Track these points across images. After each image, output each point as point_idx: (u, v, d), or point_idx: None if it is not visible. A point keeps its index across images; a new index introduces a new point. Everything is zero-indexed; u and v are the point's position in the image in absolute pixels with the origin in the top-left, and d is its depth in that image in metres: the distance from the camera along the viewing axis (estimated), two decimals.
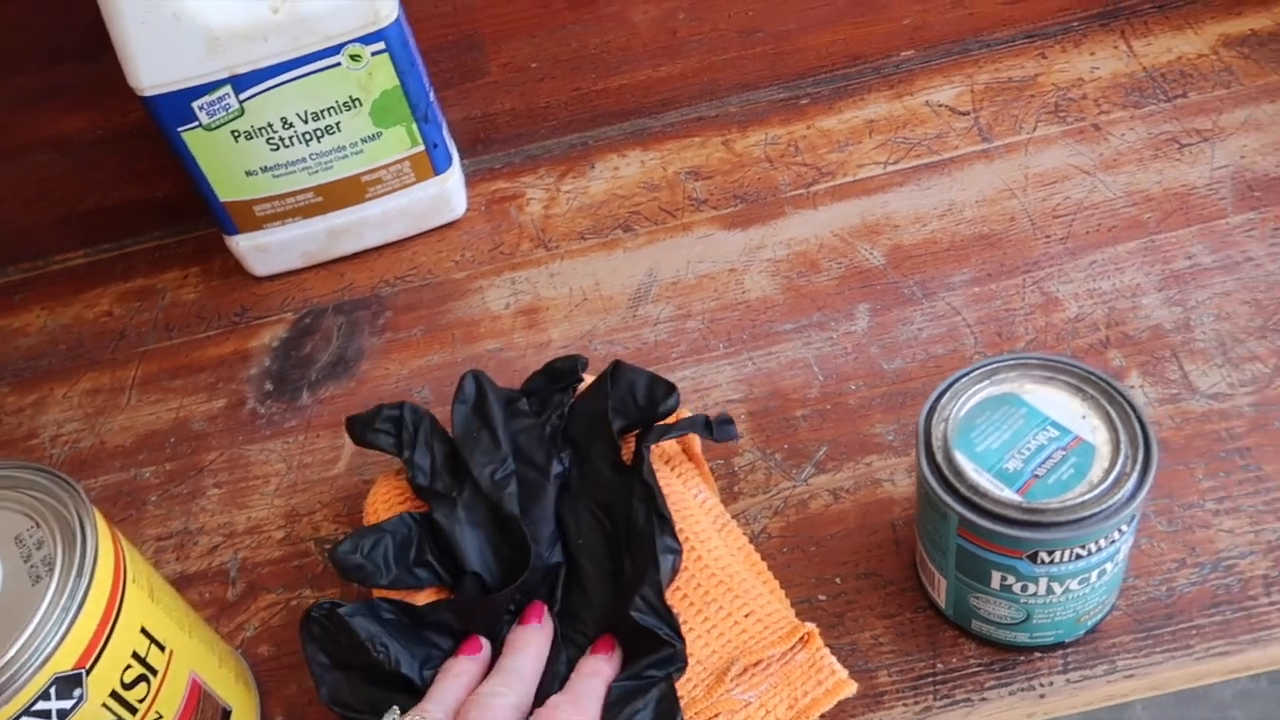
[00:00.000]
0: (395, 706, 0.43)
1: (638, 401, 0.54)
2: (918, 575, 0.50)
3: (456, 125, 0.76)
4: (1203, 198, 0.64)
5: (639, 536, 0.48)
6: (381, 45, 0.63)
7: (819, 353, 0.61)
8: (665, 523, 0.48)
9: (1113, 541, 0.41)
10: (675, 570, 0.48)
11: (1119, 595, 0.48)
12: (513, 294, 0.69)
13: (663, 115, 0.78)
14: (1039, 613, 0.44)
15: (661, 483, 0.51)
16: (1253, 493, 0.51)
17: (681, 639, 0.46)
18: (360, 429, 0.55)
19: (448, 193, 0.72)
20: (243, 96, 0.63)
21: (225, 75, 0.62)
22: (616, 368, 0.55)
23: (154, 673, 0.43)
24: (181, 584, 0.58)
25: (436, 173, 0.71)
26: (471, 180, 0.77)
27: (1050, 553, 0.41)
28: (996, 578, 0.43)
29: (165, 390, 0.68)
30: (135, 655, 0.42)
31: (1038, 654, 0.48)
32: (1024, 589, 0.43)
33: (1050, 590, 0.43)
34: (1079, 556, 0.41)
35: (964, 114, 0.73)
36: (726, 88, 0.78)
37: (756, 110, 0.77)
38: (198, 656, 0.46)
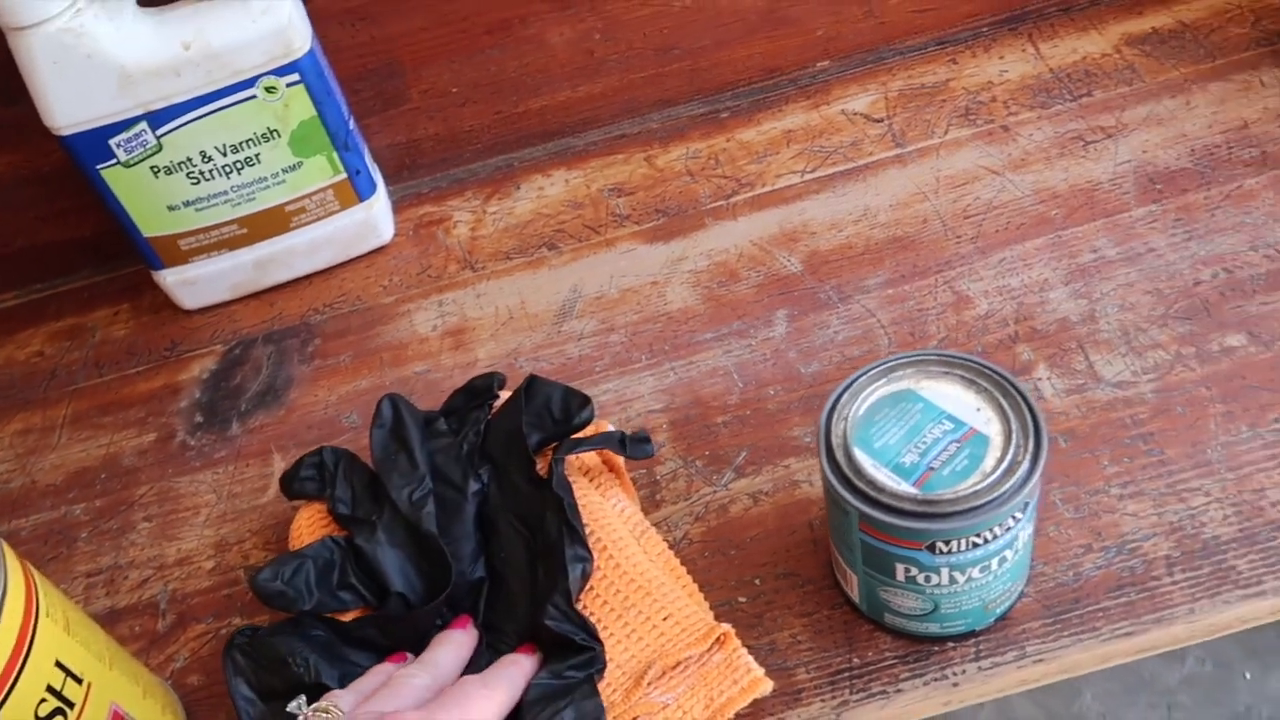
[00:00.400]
0: (302, 695, 0.43)
1: (554, 415, 0.54)
2: (834, 573, 0.51)
3: (381, 152, 0.77)
4: (1107, 193, 0.66)
5: (551, 547, 0.49)
6: (296, 76, 0.64)
7: (739, 360, 0.62)
8: (574, 532, 0.49)
9: (1009, 529, 0.42)
10: (585, 577, 0.49)
11: (1027, 582, 0.49)
12: (440, 316, 0.70)
13: (585, 134, 0.79)
14: (945, 602, 0.45)
15: (580, 494, 0.52)
16: (1155, 476, 0.52)
17: (599, 641, 0.47)
18: (289, 484, 0.56)
19: (374, 219, 0.73)
20: (159, 132, 0.64)
21: (140, 112, 0.63)
22: (532, 383, 0.55)
23: (70, 706, 0.43)
24: (112, 618, 0.58)
25: (361, 200, 0.71)
26: (399, 205, 0.77)
27: (947, 542, 0.42)
28: (900, 570, 0.44)
29: (96, 427, 0.69)
30: (50, 689, 0.42)
31: (951, 644, 0.49)
32: (927, 579, 0.44)
33: (953, 580, 0.44)
34: (976, 545, 0.42)
35: (878, 121, 0.74)
36: (647, 104, 0.79)
37: (678, 125, 0.78)
38: (119, 688, 0.47)
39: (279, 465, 0.63)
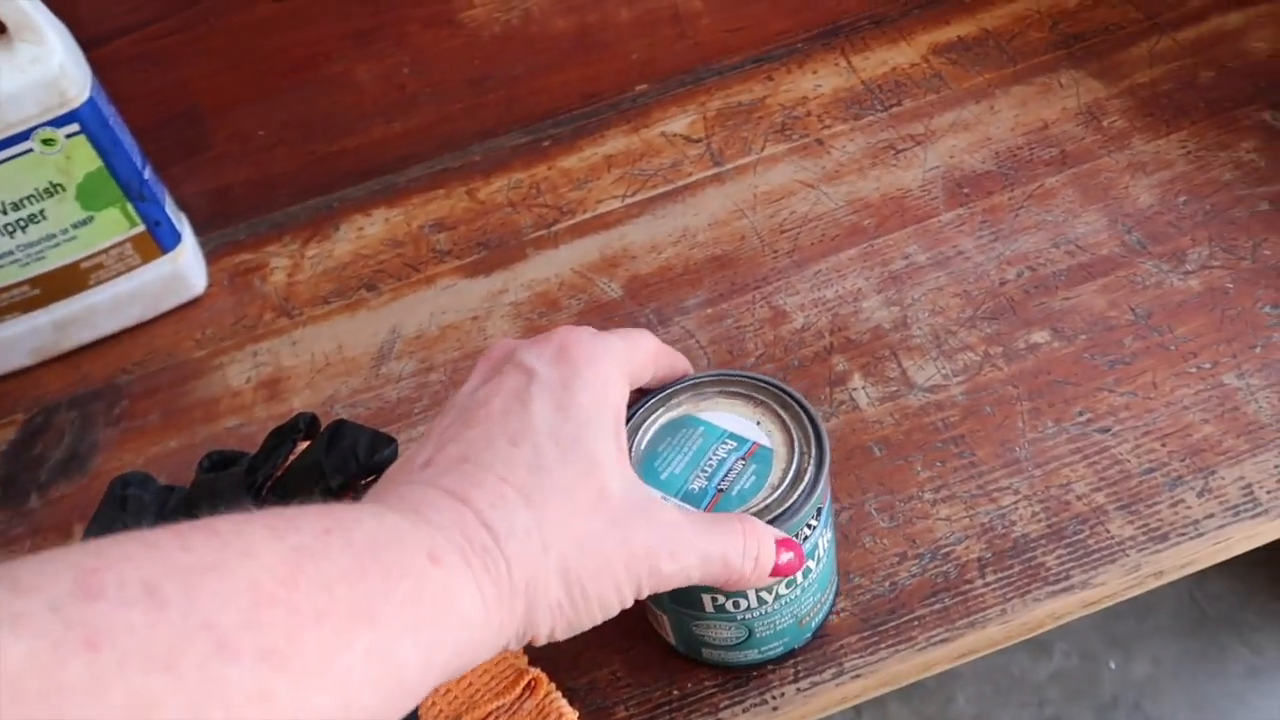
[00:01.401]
0: None
1: (359, 458, 0.52)
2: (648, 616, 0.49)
3: (189, 200, 0.74)
4: (917, 199, 0.66)
5: None
6: (76, 127, 0.61)
7: None
8: None
9: (806, 537, 0.42)
10: None
11: (838, 594, 0.49)
12: (254, 367, 0.67)
13: (406, 170, 0.77)
14: (759, 625, 0.44)
15: None
16: (967, 478, 0.52)
17: None
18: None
19: (181, 270, 0.70)
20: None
21: None
22: (338, 427, 0.53)
23: None
24: None
25: (165, 251, 0.68)
26: (213, 255, 0.74)
27: None
28: (707, 601, 0.43)
29: None
30: None
31: (770, 667, 0.48)
32: (736, 605, 0.43)
33: (761, 600, 0.43)
34: None
35: (697, 141, 0.74)
36: (467, 137, 0.77)
37: (500, 156, 0.77)
38: None
39: (80, 537, 0.59)
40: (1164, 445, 0.52)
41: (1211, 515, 0.49)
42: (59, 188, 0.63)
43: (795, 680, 0.47)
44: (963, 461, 0.53)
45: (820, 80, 0.76)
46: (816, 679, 0.47)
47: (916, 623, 0.48)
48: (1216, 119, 0.67)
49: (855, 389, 0.57)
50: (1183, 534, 0.49)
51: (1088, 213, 0.63)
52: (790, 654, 0.47)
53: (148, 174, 0.67)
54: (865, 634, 0.48)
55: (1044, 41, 0.75)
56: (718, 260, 0.66)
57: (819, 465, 0.41)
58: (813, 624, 0.47)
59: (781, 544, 0.40)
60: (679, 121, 0.76)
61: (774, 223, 0.67)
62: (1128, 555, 0.48)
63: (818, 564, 0.44)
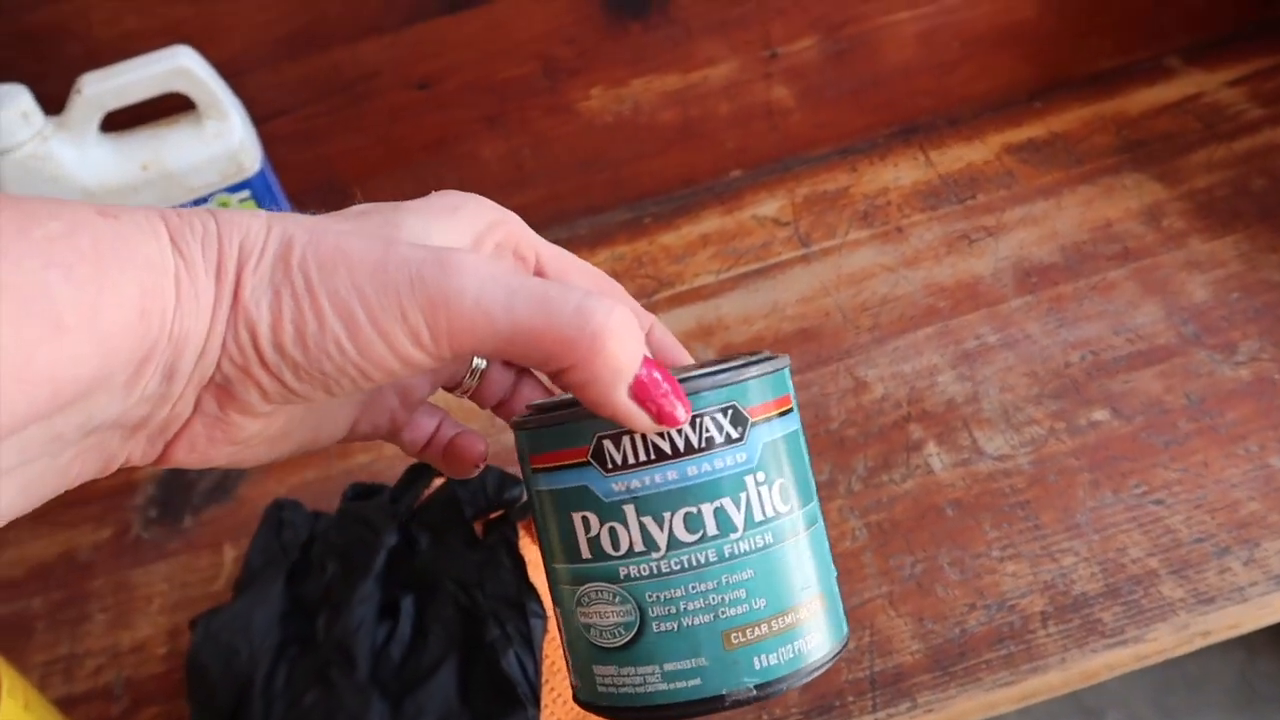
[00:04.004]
0: None
1: (488, 493, 0.59)
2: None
3: None
4: (988, 285, 0.73)
5: (510, 604, 0.54)
6: (247, 193, 0.70)
7: None
8: (533, 590, 0.54)
9: (709, 447, 0.31)
10: (544, 634, 0.53)
11: (838, 654, 0.34)
12: None
13: None
14: (655, 606, 0.32)
15: (530, 557, 0.57)
16: (1031, 539, 0.58)
17: (536, 704, 0.51)
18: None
19: None
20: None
21: None
22: None
23: None
24: (68, 705, 0.61)
25: None
26: None
27: (618, 443, 0.32)
28: (579, 527, 0.32)
29: (54, 524, 0.72)
30: None
31: (850, 698, 0.53)
32: (615, 545, 0.32)
33: (650, 542, 0.31)
34: (661, 454, 0.31)
35: (785, 224, 0.82)
36: (575, 212, 0.86)
37: (605, 230, 0.85)
38: None
39: (229, 555, 0.67)
40: (1213, 518, 0.57)
41: (1256, 583, 0.54)
42: None
43: (874, 710, 0.53)
44: (1028, 524, 0.59)
45: (900, 173, 0.84)
46: (892, 710, 0.53)
47: (984, 666, 0.54)
48: (1268, 223, 0.73)
49: (930, 455, 0.63)
50: (1229, 598, 0.54)
51: (1146, 304, 0.69)
52: (719, 698, 0.32)
53: None
54: (937, 673, 0.54)
55: (1109, 145, 0.81)
56: (804, 333, 0.73)
57: (772, 383, 0.33)
58: (752, 659, 0.32)
59: (654, 365, 0.30)
60: (769, 205, 0.84)
61: (856, 301, 0.74)
62: (1178, 615, 0.54)
63: (755, 539, 0.32)
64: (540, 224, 0.85)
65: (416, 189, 0.83)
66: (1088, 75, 0.87)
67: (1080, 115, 0.84)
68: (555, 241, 0.80)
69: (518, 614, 0.53)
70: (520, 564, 0.55)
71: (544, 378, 0.37)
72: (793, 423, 0.34)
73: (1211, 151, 0.79)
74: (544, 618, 0.54)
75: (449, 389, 0.38)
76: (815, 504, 0.34)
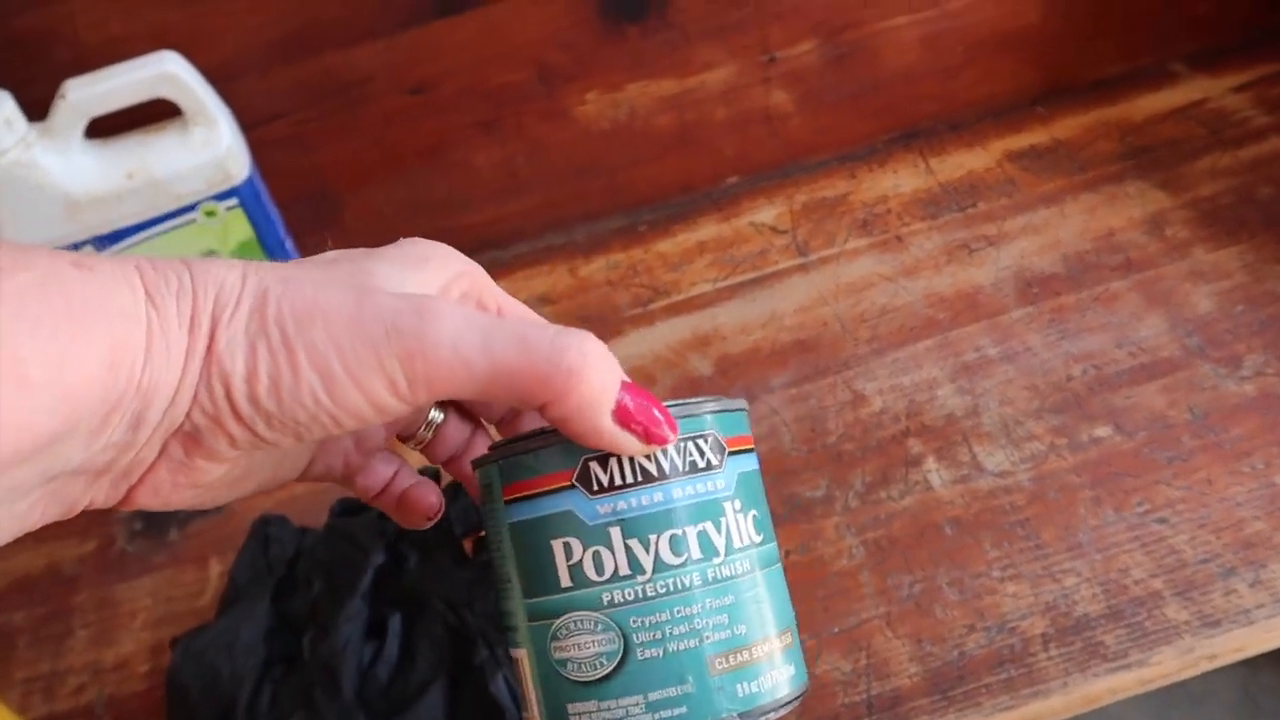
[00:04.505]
0: None
1: (478, 511, 0.58)
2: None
3: None
4: (989, 296, 0.72)
5: (499, 625, 0.52)
6: (235, 201, 0.69)
7: None
8: None
9: (696, 476, 0.32)
10: None
11: (802, 690, 0.34)
12: None
13: (513, 247, 0.84)
14: (640, 633, 0.31)
15: None
16: (1032, 559, 0.57)
17: None
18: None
19: None
20: (106, 252, 0.67)
21: (87, 236, 0.67)
22: (458, 487, 0.59)
23: None
24: None
25: None
26: None
27: (605, 465, 0.32)
28: (559, 553, 0.32)
29: (38, 537, 0.70)
30: None
31: None
32: (599, 569, 0.32)
33: (635, 563, 0.31)
34: (646, 476, 0.32)
35: (784, 232, 0.80)
36: (571, 219, 0.84)
37: (601, 238, 0.84)
38: None
39: (215, 570, 0.66)
40: (1218, 537, 0.56)
41: (1262, 605, 0.53)
42: (214, 254, 0.70)
43: None
44: (1029, 543, 0.58)
45: (900, 180, 0.82)
46: None
47: (984, 690, 0.52)
48: (1274, 233, 0.71)
49: (929, 471, 0.62)
50: (1235, 621, 0.53)
51: (1150, 317, 0.68)
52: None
53: (288, 244, 0.74)
54: (935, 697, 0.52)
55: (1112, 153, 0.80)
56: (802, 344, 0.72)
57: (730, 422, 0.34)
58: (736, 686, 0.32)
59: (634, 389, 0.30)
60: (767, 212, 0.82)
61: (855, 312, 0.73)
62: (1182, 638, 0.52)
63: (735, 565, 0.32)
64: (535, 231, 0.84)
65: (410, 196, 0.82)
66: (1091, 81, 0.86)
67: (1083, 121, 0.83)
68: (550, 249, 0.80)
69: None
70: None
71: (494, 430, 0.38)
72: (755, 462, 0.35)
73: (1216, 159, 0.78)
74: None
75: (403, 439, 0.38)
76: (775, 545, 0.35)
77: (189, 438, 0.29)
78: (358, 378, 0.28)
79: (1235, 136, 0.79)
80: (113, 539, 0.69)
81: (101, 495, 0.30)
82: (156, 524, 0.70)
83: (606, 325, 0.76)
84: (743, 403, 0.35)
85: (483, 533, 0.58)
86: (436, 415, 0.37)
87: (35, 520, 0.28)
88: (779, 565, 0.35)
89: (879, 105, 0.85)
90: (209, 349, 0.27)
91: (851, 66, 0.82)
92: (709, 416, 0.33)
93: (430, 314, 0.28)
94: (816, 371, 0.70)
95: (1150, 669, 0.52)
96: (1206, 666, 0.53)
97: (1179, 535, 0.56)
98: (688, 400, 0.33)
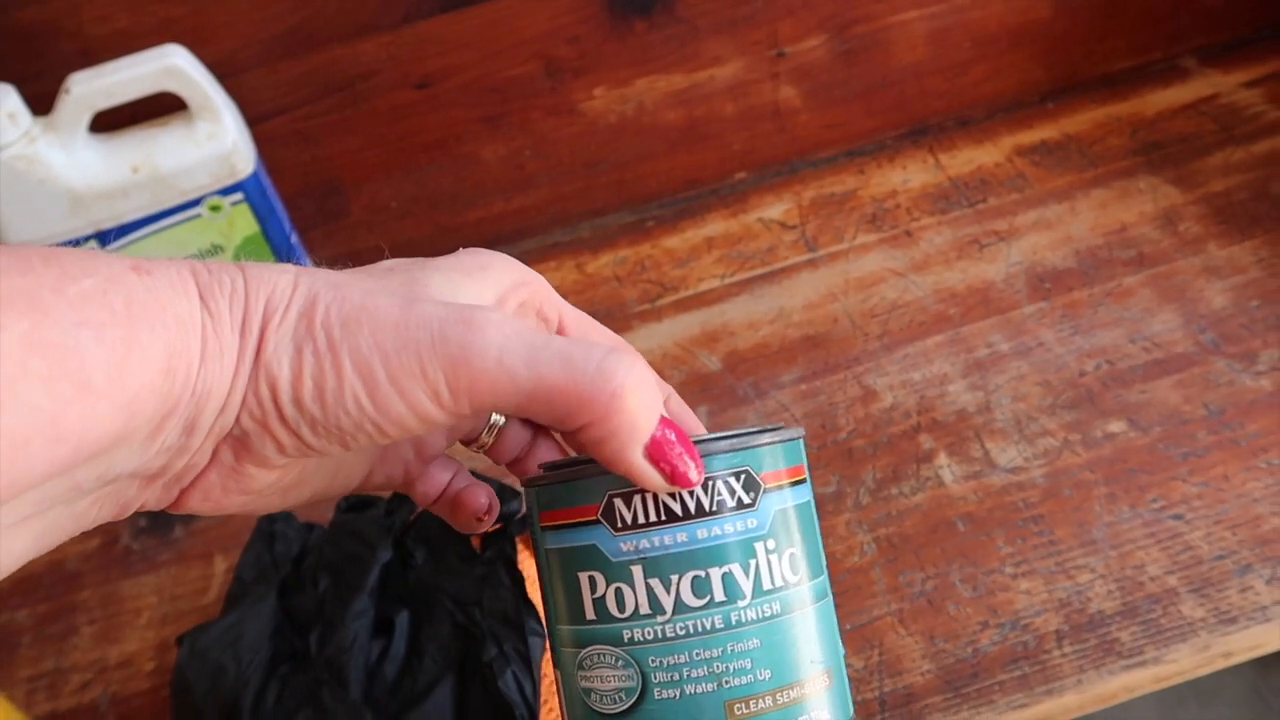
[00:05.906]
0: None
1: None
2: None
3: (327, 263, 0.80)
4: (1000, 291, 0.71)
5: (508, 622, 0.52)
6: (240, 196, 0.68)
7: None
8: (532, 608, 0.52)
9: (725, 503, 0.31)
10: (543, 652, 0.52)
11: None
12: None
13: (519, 242, 0.83)
14: (658, 672, 0.31)
15: (527, 572, 0.55)
16: (1046, 555, 0.56)
17: None
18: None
19: None
20: (109, 249, 0.67)
21: (91, 231, 0.66)
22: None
23: None
24: None
25: None
26: None
27: (629, 501, 0.31)
28: (585, 587, 0.32)
29: None
30: None
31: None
32: (620, 606, 0.31)
33: (655, 602, 0.31)
34: (671, 516, 0.31)
35: (792, 228, 0.80)
36: (577, 215, 0.84)
37: (608, 233, 0.83)
38: None
39: (220, 567, 0.65)
40: (1234, 534, 0.55)
41: (1279, 602, 0.52)
42: (219, 249, 0.70)
43: None
44: (1042, 540, 0.57)
45: (909, 175, 0.82)
46: None
47: (997, 687, 0.52)
48: None
49: (941, 467, 0.62)
50: (1251, 618, 0.52)
51: (1164, 312, 0.67)
52: None
53: (294, 239, 0.74)
54: (948, 694, 0.52)
55: (1123, 148, 0.79)
56: (811, 340, 0.71)
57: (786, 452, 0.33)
58: None
59: (670, 425, 0.30)
60: (775, 208, 0.82)
61: (865, 307, 0.72)
62: (1198, 635, 0.52)
63: (762, 608, 0.31)
64: (542, 227, 0.84)
65: (416, 191, 0.82)
66: (1102, 76, 0.85)
67: (1094, 117, 0.83)
68: (557, 245, 0.79)
69: (516, 632, 0.52)
70: (519, 580, 0.53)
71: (559, 438, 0.38)
72: (805, 494, 0.34)
73: (1229, 154, 0.77)
74: (543, 636, 0.52)
75: (465, 443, 0.38)
76: (825, 578, 0.34)
77: (238, 443, 0.29)
78: (401, 384, 0.28)
79: (1247, 132, 0.79)
80: (117, 536, 0.69)
81: (154, 497, 0.30)
82: (161, 521, 0.69)
83: (614, 321, 0.76)
84: (797, 431, 0.34)
85: (491, 529, 0.57)
86: (498, 419, 0.37)
87: (91, 520, 0.29)
88: (826, 601, 0.33)
89: (888, 101, 0.84)
90: (258, 353, 0.28)
91: (860, 62, 0.81)
92: (745, 452, 0.32)
93: (477, 324, 0.28)
94: (826, 367, 0.69)
95: (1165, 666, 0.51)
96: (1222, 664, 0.52)
97: (1194, 531, 0.56)
98: (728, 433, 0.32)
